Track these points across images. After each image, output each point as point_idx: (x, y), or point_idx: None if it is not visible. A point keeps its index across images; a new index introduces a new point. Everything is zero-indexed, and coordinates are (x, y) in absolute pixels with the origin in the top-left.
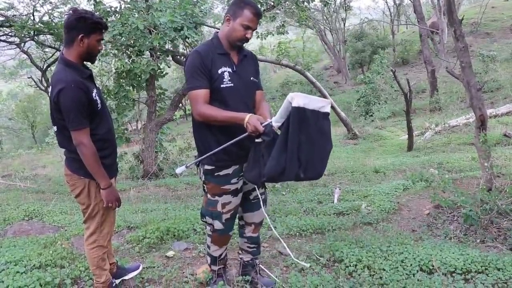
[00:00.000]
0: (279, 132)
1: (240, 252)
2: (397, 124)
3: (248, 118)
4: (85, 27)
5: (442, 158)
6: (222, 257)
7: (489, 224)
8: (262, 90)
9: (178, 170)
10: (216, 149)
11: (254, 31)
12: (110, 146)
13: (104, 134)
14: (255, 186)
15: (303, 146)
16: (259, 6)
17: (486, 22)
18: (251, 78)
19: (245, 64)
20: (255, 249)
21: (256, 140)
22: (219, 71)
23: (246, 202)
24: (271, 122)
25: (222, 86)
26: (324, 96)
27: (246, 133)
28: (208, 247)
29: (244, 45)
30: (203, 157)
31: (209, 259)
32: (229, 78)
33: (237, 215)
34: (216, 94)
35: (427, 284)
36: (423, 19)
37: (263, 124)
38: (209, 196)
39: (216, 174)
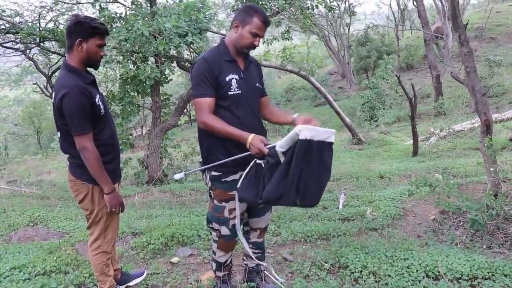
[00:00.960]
0: (282, 157)
1: (245, 258)
2: (402, 129)
3: (251, 139)
4: (82, 31)
5: (447, 163)
6: (227, 263)
7: (495, 229)
8: (267, 96)
9: (177, 176)
10: (217, 162)
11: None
12: (113, 151)
13: (107, 139)
14: None
15: (303, 175)
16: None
17: (491, 27)
18: (257, 84)
19: (250, 70)
20: (260, 254)
21: (258, 161)
22: (227, 79)
23: (252, 208)
24: (275, 146)
25: (230, 93)
26: (328, 100)
27: (248, 153)
28: (214, 253)
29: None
30: (205, 167)
31: (214, 265)
32: (236, 85)
33: (243, 222)
34: (223, 101)
35: None
36: (427, 24)
37: (267, 147)
38: (215, 202)
39: (223, 180)
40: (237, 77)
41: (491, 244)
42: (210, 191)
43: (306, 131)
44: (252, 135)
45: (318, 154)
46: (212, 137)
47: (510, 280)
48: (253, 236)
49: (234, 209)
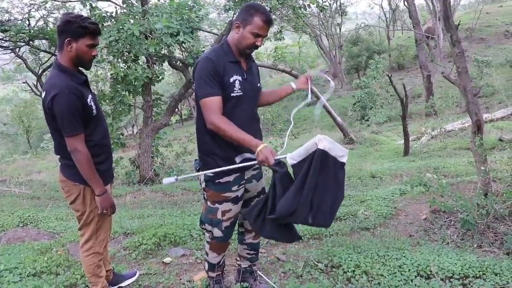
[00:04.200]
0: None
1: (238, 259)
2: (393, 129)
3: (261, 148)
4: (71, 31)
5: (438, 163)
6: (220, 264)
7: (486, 228)
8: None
9: (166, 181)
10: (209, 171)
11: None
12: (106, 151)
13: (99, 139)
14: (257, 193)
15: (318, 190)
16: None
17: (481, 28)
18: (258, 85)
19: (252, 70)
20: (254, 255)
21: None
22: (231, 80)
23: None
24: (285, 157)
25: (232, 94)
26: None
27: (255, 161)
28: (206, 254)
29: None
30: (197, 173)
31: (206, 265)
32: (239, 86)
33: (237, 222)
34: (224, 102)
35: None
36: (418, 24)
37: (276, 158)
38: (209, 203)
39: (217, 181)
40: (240, 78)
41: (482, 243)
42: (204, 192)
43: (325, 142)
44: (264, 144)
45: (333, 171)
46: (213, 139)
47: (500, 279)
48: (248, 237)
49: (228, 211)
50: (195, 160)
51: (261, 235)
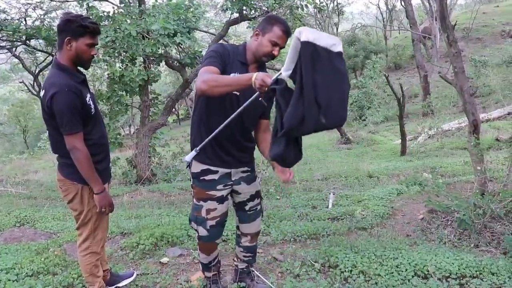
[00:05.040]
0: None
1: (235, 259)
2: (390, 129)
3: (255, 75)
4: (71, 30)
5: (435, 162)
6: (213, 263)
7: (482, 228)
8: (268, 120)
9: (187, 158)
10: (212, 135)
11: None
12: (103, 151)
13: (97, 139)
14: (250, 197)
15: (320, 87)
16: (252, 11)
17: (478, 28)
18: (260, 99)
19: None
20: (251, 257)
21: (272, 87)
22: (231, 75)
23: (241, 213)
24: (280, 73)
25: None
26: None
27: (256, 93)
28: (198, 254)
29: None
30: (202, 145)
31: (201, 265)
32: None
33: (235, 225)
34: (218, 98)
35: None
36: (415, 24)
37: (273, 78)
38: (194, 200)
39: (201, 178)
40: None
41: (479, 243)
42: (192, 189)
43: (307, 32)
44: (256, 73)
45: (328, 62)
46: (206, 132)
47: (497, 279)
48: (244, 240)
49: (213, 209)
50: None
51: (285, 129)
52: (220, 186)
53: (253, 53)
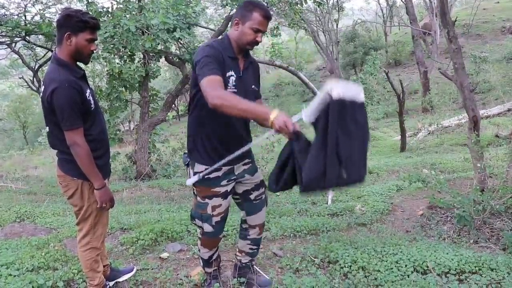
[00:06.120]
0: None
1: (239, 254)
2: (389, 125)
3: (276, 114)
4: (71, 25)
5: (435, 158)
6: (213, 258)
7: (482, 224)
8: (260, 98)
9: (189, 182)
10: (220, 162)
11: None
12: (103, 146)
13: (97, 134)
14: (255, 186)
15: (342, 141)
16: None
17: (478, 24)
18: (252, 87)
19: (249, 71)
20: (255, 250)
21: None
22: (227, 75)
23: (248, 204)
24: (301, 117)
25: (226, 90)
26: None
27: (273, 130)
28: (199, 249)
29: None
30: (213, 167)
31: (201, 261)
32: (234, 83)
33: (241, 219)
34: None
35: (421, 285)
36: (415, 20)
37: (294, 122)
38: (198, 198)
39: (206, 177)
40: (235, 75)
41: (478, 239)
42: (194, 187)
43: (337, 88)
44: (276, 111)
45: (351, 115)
46: (201, 129)
47: (496, 274)
48: (252, 233)
49: (218, 206)
50: (184, 153)
51: (304, 185)
52: (224, 182)
53: (237, 43)
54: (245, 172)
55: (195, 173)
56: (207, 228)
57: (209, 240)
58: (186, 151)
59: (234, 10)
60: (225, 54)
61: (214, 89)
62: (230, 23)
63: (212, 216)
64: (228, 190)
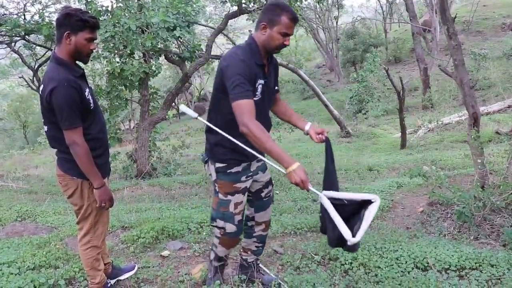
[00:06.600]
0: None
1: (244, 253)
2: (390, 122)
3: (295, 167)
4: (70, 24)
5: (435, 155)
6: (227, 256)
7: (482, 221)
8: (278, 93)
9: (183, 108)
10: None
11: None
12: (103, 145)
13: (96, 133)
14: (266, 184)
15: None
16: (251, 4)
17: (478, 21)
18: (275, 88)
19: (271, 73)
20: (261, 248)
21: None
22: (256, 84)
23: (258, 201)
24: (320, 195)
25: (254, 99)
26: (316, 93)
27: (285, 174)
28: (215, 246)
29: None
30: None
31: (212, 254)
32: (261, 91)
33: (245, 217)
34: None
35: (422, 281)
36: (415, 17)
37: (311, 190)
38: (220, 196)
39: (228, 171)
40: (263, 82)
41: (478, 235)
42: (215, 183)
43: (378, 199)
44: (298, 163)
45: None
46: (230, 128)
47: (496, 270)
48: (258, 229)
49: (239, 203)
50: (202, 154)
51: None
52: (243, 178)
53: (265, 47)
54: (258, 169)
55: (216, 168)
56: (230, 228)
57: (230, 240)
58: (206, 148)
59: (234, 8)
60: (254, 63)
61: (246, 118)
62: (255, 26)
63: (235, 214)
64: (247, 187)
